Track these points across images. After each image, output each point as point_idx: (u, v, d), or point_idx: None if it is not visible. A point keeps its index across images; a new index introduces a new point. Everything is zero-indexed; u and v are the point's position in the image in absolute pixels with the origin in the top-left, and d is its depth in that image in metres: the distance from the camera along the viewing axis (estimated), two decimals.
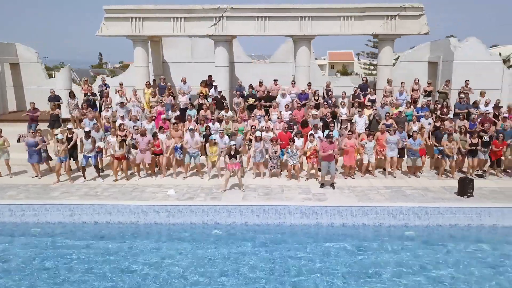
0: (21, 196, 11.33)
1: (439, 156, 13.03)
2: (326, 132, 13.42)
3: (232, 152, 11.52)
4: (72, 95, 15.79)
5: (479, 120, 13.90)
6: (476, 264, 8.58)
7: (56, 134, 12.94)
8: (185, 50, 19.42)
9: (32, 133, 12.97)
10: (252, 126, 13.63)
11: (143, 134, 12.57)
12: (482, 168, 13.38)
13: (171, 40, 19.25)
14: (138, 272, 8.28)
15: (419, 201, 10.89)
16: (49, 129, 15.40)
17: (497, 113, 14.80)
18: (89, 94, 15.94)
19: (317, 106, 15.17)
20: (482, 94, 15.41)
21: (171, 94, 16.28)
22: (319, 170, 12.31)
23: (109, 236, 10.05)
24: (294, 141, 12.52)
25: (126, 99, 15.44)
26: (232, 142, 11.72)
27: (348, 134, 12.68)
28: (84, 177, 12.71)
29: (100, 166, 13.30)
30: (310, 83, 16.32)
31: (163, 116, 14.56)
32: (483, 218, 10.39)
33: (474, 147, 12.69)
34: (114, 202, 10.79)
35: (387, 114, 14.09)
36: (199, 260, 8.77)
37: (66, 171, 12.48)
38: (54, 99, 15.82)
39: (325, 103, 15.22)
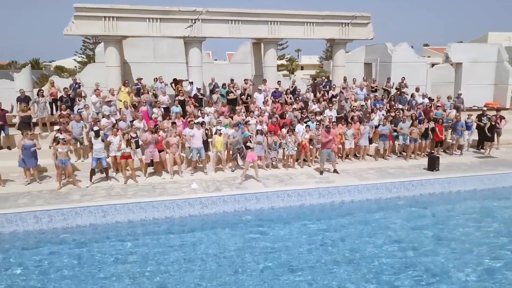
0: (40, 202, 10.81)
1: (397, 141, 15.76)
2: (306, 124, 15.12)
3: (249, 144, 12.55)
4: (41, 93, 14.88)
5: (421, 109, 17.08)
6: (450, 218, 11.36)
7: (55, 135, 12.32)
8: (147, 51, 19.39)
9: (30, 135, 12.23)
10: (245, 121, 14.65)
11: (152, 131, 12.80)
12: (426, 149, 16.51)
13: (132, 40, 19.04)
14: (194, 262, 8.82)
15: (403, 177, 13.30)
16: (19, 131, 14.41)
17: (430, 104, 18.23)
18: (64, 95, 15.23)
19: (291, 103, 16.85)
20: (417, 89, 18.78)
21: (147, 93, 16.43)
22: (315, 158, 13.98)
23: (152, 232, 10.33)
24: (293, 131, 13.92)
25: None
26: (247, 133, 12.74)
27: (332, 124, 14.59)
28: (91, 181, 12.39)
29: (99, 168, 13.14)
30: (280, 81, 17.93)
31: (154, 115, 14.75)
32: (451, 186, 13.21)
33: (428, 131, 15.61)
34: (148, 199, 11.02)
35: (354, 107, 16.44)
36: (245, 242, 9.75)
37: (70, 174, 12.06)
38: (24, 100, 14.78)
39: (297, 98, 17.00)
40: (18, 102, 14.85)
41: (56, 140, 12.15)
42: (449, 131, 16.63)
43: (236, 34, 17.31)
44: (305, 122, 14.83)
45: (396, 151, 16.24)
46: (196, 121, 13.61)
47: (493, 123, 16.40)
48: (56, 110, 15.68)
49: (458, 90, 20.70)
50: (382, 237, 10.03)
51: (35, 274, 8.34)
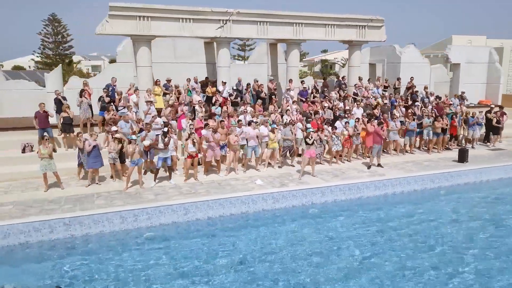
0: (118, 202, 10.74)
1: (422, 136, 16.93)
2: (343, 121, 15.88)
3: (308, 140, 13.07)
4: (84, 94, 14.58)
5: (434, 107, 18.41)
6: (483, 203, 12.73)
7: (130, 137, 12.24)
8: (167, 51, 19.26)
9: (93, 135, 12.05)
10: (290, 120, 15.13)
11: (214, 131, 13.00)
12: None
13: (153, 41, 18.85)
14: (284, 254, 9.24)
15: (438, 169, 14.40)
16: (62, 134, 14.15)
17: (438, 102, 19.67)
18: (104, 96, 14.98)
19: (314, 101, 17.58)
20: (426, 88, 20.18)
21: (179, 92, 16.56)
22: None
23: (234, 227, 10.65)
24: (336, 128, 14.61)
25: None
26: (310, 130, 13.27)
27: (371, 121, 15.43)
28: (155, 180, 12.40)
29: (149, 166, 13.23)
30: (304, 81, 18.59)
31: (200, 114, 14.90)
32: (482, 175, 14.51)
33: (446, 126, 16.93)
34: (226, 195, 11.27)
35: (377, 105, 17.42)
36: (322, 232, 10.40)
37: (139, 174, 12.02)
38: (61, 101, 14.39)
39: (325, 97, 17.73)
40: (55, 104, 14.50)
41: (118, 140, 12.15)
42: (461, 126, 18.05)
43: (263, 35, 17.73)
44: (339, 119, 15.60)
45: (419, 146, 17.38)
46: (252, 120, 13.98)
47: (498, 118, 18.05)
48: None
49: (456, 88, 22.43)
50: (444, 220, 11.19)
51: (133, 273, 8.36)
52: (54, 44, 57.70)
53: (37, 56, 58.20)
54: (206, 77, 18.26)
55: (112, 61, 66.84)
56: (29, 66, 63.15)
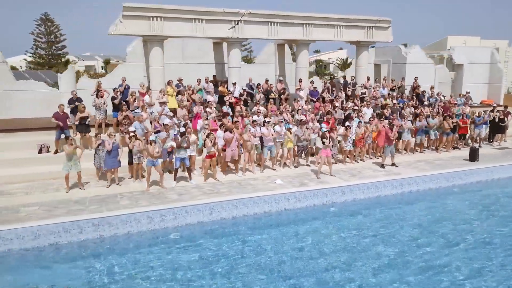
0: (143, 203, 10.76)
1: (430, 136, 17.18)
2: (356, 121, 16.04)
3: (325, 140, 13.20)
4: (100, 95, 14.54)
5: (441, 107, 18.70)
6: (493, 199, 13.07)
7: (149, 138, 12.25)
8: (175, 51, 19.25)
9: (111, 135, 12.02)
10: (301, 119, 15.26)
11: (231, 131, 13.07)
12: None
13: None
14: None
15: (449, 168, 14.63)
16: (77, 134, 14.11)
17: (444, 102, 19.98)
18: (115, 96, 14.95)
19: (324, 100, 17.77)
20: (432, 88, 20.47)
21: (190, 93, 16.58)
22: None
23: (260, 226, 10.74)
24: (349, 127, 14.76)
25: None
26: (324, 129, 13.40)
27: (381, 121, 15.64)
28: (174, 180, 12.43)
29: (167, 166, 13.24)
30: (313, 81, 18.74)
31: (213, 115, 14.94)
32: (494, 174, 14.79)
33: (455, 126, 17.22)
34: (249, 195, 11.35)
35: (387, 105, 17.63)
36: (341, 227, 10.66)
37: (160, 174, 12.04)
38: (76, 101, 14.35)
39: (336, 97, 17.91)
40: (70, 104, 14.45)
41: (134, 139, 12.16)
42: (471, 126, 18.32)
43: (274, 36, 17.85)
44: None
45: (428, 146, 17.63)
46: (268, 120, 14.08)
47: (502, 117, 18.41)
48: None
49: (459, 89, 22.79)
50: (465, 217, 11.51)
51: (162, 273, 8.37)
52: (47, 44, 57.28)
53: (30, 56, 57.64)
54: (213, 75, 18.29)
55: (106, 61, 66.54)
56: (21, 66, 62.57)
